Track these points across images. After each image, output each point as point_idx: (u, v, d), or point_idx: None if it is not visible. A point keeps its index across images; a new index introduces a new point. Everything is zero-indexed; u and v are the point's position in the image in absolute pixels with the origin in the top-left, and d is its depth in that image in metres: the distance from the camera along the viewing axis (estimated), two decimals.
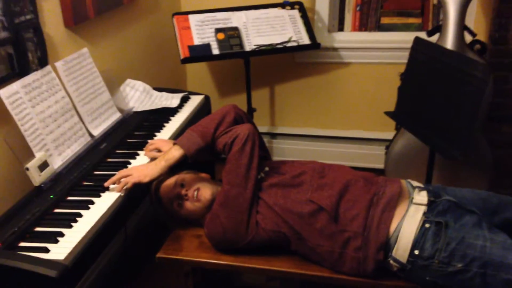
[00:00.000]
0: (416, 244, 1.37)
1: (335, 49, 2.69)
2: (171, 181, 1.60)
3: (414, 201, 1.45)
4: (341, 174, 1.54)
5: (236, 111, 1.62)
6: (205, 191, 1.56)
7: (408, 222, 1.40)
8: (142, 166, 1.52)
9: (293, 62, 2.78)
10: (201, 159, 1.60)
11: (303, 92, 2.84)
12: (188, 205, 1.56)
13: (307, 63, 2.77)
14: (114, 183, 1.49)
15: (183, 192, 1.56)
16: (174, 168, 1.55)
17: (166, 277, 2.00)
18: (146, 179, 1.47)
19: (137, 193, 1.54)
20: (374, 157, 2.76)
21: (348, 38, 2.70)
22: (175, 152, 1.51)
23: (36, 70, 1.64)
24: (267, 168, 1.62)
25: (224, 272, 1.58)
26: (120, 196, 1.46)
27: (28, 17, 1.62)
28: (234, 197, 1.46)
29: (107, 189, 1.48)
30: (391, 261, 1.41)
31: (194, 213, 1.58)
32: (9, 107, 1.47)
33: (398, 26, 2.70)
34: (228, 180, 1.47)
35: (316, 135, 2.86)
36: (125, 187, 1.45)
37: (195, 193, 1.55)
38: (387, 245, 1.40)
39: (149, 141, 1.70)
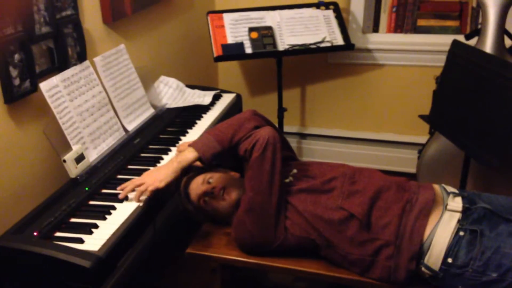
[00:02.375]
0: (449, 252, 1.34)
1: (369, 51, 2.66)
2: (200, 178, 1.60)
3: (448, 207, 1.42)
4: (372, 180, 1.51)
5: (255, 117, 1.58)
6: (231, 191, 1.55)
7: (441, 230, 1.37)
8: (154, 172, 1.49)
9: (326, 62, 2.76)
10: (225, 164, 1.60)
11: (335, 93, 2.82)
12: (214, 203, 1.56)
13: (340, 64, 2.75)
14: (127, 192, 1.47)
15: (210, 189, 1.56)
16: (188, 170, 1.54)
17: (195, 272, 2.02)
18: (161, 184, 1.44)
19: (165, 191, 1.55)
20: (406, 161, 2.72)
21: (383, 40, 2.66)
22: (189, 154, 1.49)
23: (75, 64, 1.67)
24: (295, 171, 1.60)
25: (251, 270, 1.58)
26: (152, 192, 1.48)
27: (68, 12, 1.66)
28: (259, 204, 1.45)
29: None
30: (423, 268, 1.38)
31: (219, 211, 1.58)
32: (48, 100, 1.51)
33: (434, 28, 2.64)
34: (251, 187, 1.45)
35: (347, 137, 2.83)
36: (142, 197, 1.44)
37: (221, 192, 1.55)
38: (419, 252, 1.38)
39: (181, 138, 1.69)
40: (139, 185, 1.45)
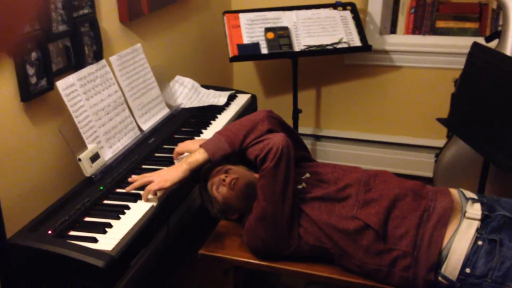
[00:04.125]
0: (467, 261, 1.31)
1: (386, 52, 2.64)
2: (220, 167, 1.59)
3: (467, 215, 1.39)
4: (388, 187, 1.49)
5: (270, 119, 1.55)
6: (241, 183, 1.54)
7: (459, 239, 1.34)
8: (163, 171, 1.49)
9: (342, 64, 2.74)
10: (232, 163, 1.59)
11: (351, 94, 2.80)
12: (224, 191, 1.54)
13: (356, 66, 2.73)
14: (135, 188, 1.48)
15: (223, 177, 1.55)
16: (198, 171, 1.53)
17: (208, 273, 2.01)
18: (167, 184, 1.43)
19: (179, 192, 1.56)
20: (422, 165, 2.69)
21: (401, 41, 2.63)
22: (199, 156, 1.48)
23: (92, 63, 1.68)
24: (308, 175, 1.58)
25: (264, 272, 1.56)
26: (165, 192, 1.48)
27: (85, 11, 1.67)
28: (271, 214, 1.43)
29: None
30: (440, 278, 1.35)
31: (227, 201, 1.55)
32: (65, 99, 1.52)
33: (453, 30, 2.60)
34: (264, 196, 1.42)
35: (362, 139, 2.81)
36: (149, 196, 1.43)
37: (232, 182, 1.53)
38: (437, 262, 1.35)
39: (179, 144, 1.64)
40: (148, 182, 1.45)
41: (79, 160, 1.49)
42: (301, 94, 2.74)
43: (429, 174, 2.51)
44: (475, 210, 1.40)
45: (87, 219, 1.37)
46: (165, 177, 1.45)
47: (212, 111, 2.08)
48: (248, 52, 2.34)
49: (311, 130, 2.91)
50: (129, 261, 1.30)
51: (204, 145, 1.50)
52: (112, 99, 1.71)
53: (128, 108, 1.79)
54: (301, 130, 2.75)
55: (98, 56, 1.72)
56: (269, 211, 1.43)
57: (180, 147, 1.61)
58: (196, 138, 1.81)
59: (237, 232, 1.64)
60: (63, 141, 1.51)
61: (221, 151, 1.47)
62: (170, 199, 1.50)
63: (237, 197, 1.54)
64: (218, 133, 1.53)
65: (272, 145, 1.41)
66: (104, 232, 1.29)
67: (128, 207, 1.40)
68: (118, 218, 1.36)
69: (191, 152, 1.54)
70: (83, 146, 1.53)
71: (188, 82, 2.23)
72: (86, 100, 1.60)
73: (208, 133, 1.89)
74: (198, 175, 1.62)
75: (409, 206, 1.43)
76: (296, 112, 2.58)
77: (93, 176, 1.52)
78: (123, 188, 1.50)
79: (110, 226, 1.32)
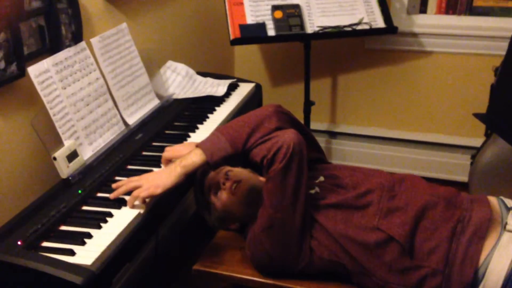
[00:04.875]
0: (508, 281, 1.31)
1: (414, 35, 2.63)
2: (220, 168, 1.59)
3: (507, 227, 1.39)
4: (416, 194, 1.49)
5: (278, 115, 1.55)
6: (244, 188, 1.54)
7: (499, 255, 1.34)
8: (154, 174, 1.49)
9: (363, 48, 2.74)
10: (233, 165, 1.59)
11: (373, 84, 2.79)
12: (223, 195, 1.54)
13: (379, 50, 2.72)
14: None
15: (223, 180, 1.55)
16: (194, 175, 1.53)
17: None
18: (158, 190, 1.43)
19: (171, 198, 1.56)
20: (456, 168, 2.69)
21: (432, 22, 2.62)
22: (195, 158, 1.47)
23: (69, 46, 1.68)
24: (322, 178, 1.58)
25: None
26: (154, 198, 1.48)
27: None
28: (280, 223, 1.43)
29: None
30: None
31: (228, 208, 1.56)
32: (38, 87, 1.52)
33: (494, 10, 2.59)
34: (271, 202, 1.43)
35: (386, 137, 2.81)
36: (136, 202, 1.43)
37: (234, 185, 1.54)
38: (472, 282, 1.35)
39: (166, 148, 1.62)
40: (135, 188, 1.45)
41: (54, 159, 1.49)
42: (314, 83, 2.74)
43: (464, 178, 2.50)
44: None
45: (63, 228, 1.37)
46: (155, 182, 1.45)
47: (210, 103, 2.07)
48: (252, 34, 2.33)
49: (326, 126, 2.91)
50: (111, 277, 1.30)
51: (202, 145, 1.50)
52: (93, 88, 1.71)
53: (111, 98, 1.79)
54: (314, 125, 2.75)
55: (77, 37, 1.72)
56: (277, 219, 1.43)
57: (170, 152, 1.60)
58: (188, 140, 1.81)
59: (238, 245, 1.63)
60: (35, 137, 1.51)
61: (221, 151, 1.47)
62: (160, 205, 1.50)
63: (239, 203, 1.54)
64: (218, 131, 1.53)
65: (282, 143, 1.41)
66: (83, 243, 1.30)
67: (110, 215, 1.41)
68: (99, 227, 1.36)
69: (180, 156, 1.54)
70: (58, 143, 1.53)
71: (182, 68, 2.23)
72: (63, 89, 1.60)
73: (204, 128, 1.89)
74: (194, 178, 1.62)
75: (440, 216, 1.43)
76: (308, 104, 2.57)
77: (70, 178, 1.52)
78: (105, 192, 1.50)
79: (89, 236, 1.32)
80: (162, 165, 1.60)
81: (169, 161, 1.58)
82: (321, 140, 2.88)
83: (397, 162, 2.79)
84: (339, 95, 2.87)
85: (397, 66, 2.72)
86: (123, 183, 1.48)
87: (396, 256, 1.39)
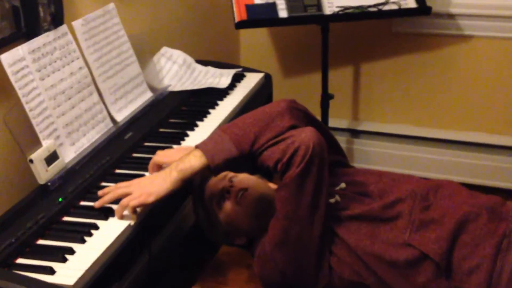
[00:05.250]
0: None
1: (451, 16, 2.62)
2: (222, 174, 1.59)
3: None
4: (454, 204, 1.48)
5: (293, 112, 1.54)
6: (252, 197, 1.55)
7: None
8: (146, 180, 1.49)
9: (390, 32, 2.74)
10: (237, 170, 1.59)
11: (401, 75, 2.79)
12: (228, 206, 1.55)
13: (409, 35, 2.72)
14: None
15: (228, 187, 1.56)
16: (192, 182, 1.53)
17: None
18: (150, 199, 1.43)
19: (166, 207, 1.56)
20: (501, 172, 2.68)
21: (472, 2, 2.61)
22: (194, 161, 1.47)
23: (48, 30, 1.68)
24: (343, 185, 1.59)
25: None
26: (146, 207, 1.48)
27: None
28: (296, 237, 1.43)
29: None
30: None
31: (232, 220, 1.57)
32: (11, 78, 1.52)
33: None
34: (286, 213, 1.43)
35: (417, 136, 2.80)
36: (125, 212, 1.43)
37: (239, 193, 1.54)
38: None
39: (158, 152, 1.61)
40: (124, 195, 1.45)
41: (31, 161, 1.49)
42: (333, 73, 2.73)
43: (511, 185, 2.50)
44: None
45: (41, 242, 1.37)
46: (148, 189, 1.45)
47: (211, 96, 2.07)
48: (261, 16, 2.33)
49: (346, 123, 2.91)
50: None
51: (202, 146, 1.50)
52: (75, 79, 1.71)
53: (97, 91, 1.79)
54: (333, 123, 2.75)
55: (57, 20, 1.73)
56: (292, 232, 1.43)
57: (160, 156, 1.59)
58: (186, 140, 1.80)
59: (245, 262, 1.64)
60: (8, 136, 1.51)
61: (225, 154, 1.47)
62: (153, 216, 1.50)
63: (246, 214, 1.55)
64: (221, 130, 1.53)
65: (299, 144, 1.41)
66: (64, 260, 1.30)
67: (96, 227, 1.41)
68: (83, 241, 1.36)
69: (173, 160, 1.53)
70: (36, 143, 1.53)
71: (179, 56, 2.23)
72: (41, 80, 1.60)
73: (204, 127, 1.89)
74: (192, 185, 1.62)
75: (482, 230, 1.43)
76: (326, 98, 2.57)
77: (49, 184, 1.52)
78: (90, 200, 1.50)
79: (71, 252, 1.32)
80: (149, 172, 1.59)
81: (159, 167, 1.58)
82: (342, 140, 2.88)
83: (431, 165, 2.78)
84: (363, 87, 2.87)
85: (430, 53, 2.71)
86: (110, 190, 1.48)
87: (430, 277, 1.39)
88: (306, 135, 1.42)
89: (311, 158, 1.40)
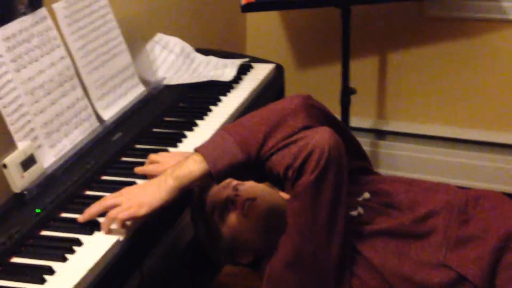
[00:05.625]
0: None
1: None
2: (226, 182, 1.59)
3: None
4: (497, 217, 1.48)
5: (308, 111, 1.54)
6: (261, 208, 1.55)
7: None
8: (137, 189, 1.49)
9: (421, 16, 2.75)
10: (242, 178, 1.59)
11: (434, 66, 2.79)
12: (232, 218, 1.56)
13: (444, 19, 2.73)
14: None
15: (233, 196, 1.56)
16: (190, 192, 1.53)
17: None
18: (142, 211, 1.43)
19: (160, 220, 1.55)
20: None
21: None
22: (193, 167, 1.46)
23: (25, 14, 1.68)
24: (367, 195, 1.59)
25: None
26: (138, 221, 1.48)
27: None
28: (310, 256, 1.43)
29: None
30: None
31: (238, 235, 1.58)
32: None
33: None
34: (299, 228, 1.43)
35: (454, 137, 2.82)
36: (113, 226, 1.42)
37: (246, 204, 1.54)
38: None
39: (150, 156, 1.63)
40: (111, 207, 1.45)
41: (4, 166, 1.50)
42: (355, 64, 2.73)
43: None
44: None
45: (15, 260, 1.37)
46: (139, 199, 1.45)
47: (213, 91, 2.08)
48: None
49: (370, 123, 2.92)
50: None
51: (202, 149, 1.49)
52: (56, 71, 1.72)
53: (81, 85, 1.79)
54: (355, 122, 2.76)
55: (35, 2, 1.73)
56: (306, 251, 1.43)
57: (153, 161, 1.61)
58: (183, 142, 1.80)
59: (252, 284, 1.65)
60: None
61: (228, 158, 1.46)
62: (145, 230, 1.50)
63: (254, 229, 1.55)
64: (224, 131, 1.53)
65: (313, 146, 1.40)
66: (42, 281, 1.29)
67: (79, 243, 1.40)
68: (64, 259, 1.35)
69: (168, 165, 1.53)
70: (10, 145, 1.54)
71: (176, 44, 2.23)
72: (16, 72, 1.60)
73: (205, 126, 1.89)
74: (191, 194, 1.62)
75: None
76: (347, 93, 2.57)
77: (25, 192, 1.52)
78: (73, 212, 1.50)
79: (51, 272, 1.32)
80: (138, 170, 1.61)
81: (150, 174, 1.58)
82: (365, 142, 2.88)
83: (470, 172, 2.78)
84: (389, 81, 2.87)
85: (469, 40, 2.71)
86: (97, 202, 1.48)
87: None
88: (321, 137, 1.42)
89: (327, 164, 1.40)
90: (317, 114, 1.58)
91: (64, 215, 1.51)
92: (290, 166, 1.42)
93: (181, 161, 1.50)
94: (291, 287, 1.46)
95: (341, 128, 1.64)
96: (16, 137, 1.55)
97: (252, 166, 1.49)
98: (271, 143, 1.47)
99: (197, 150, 1.50)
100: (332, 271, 1.45)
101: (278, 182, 1.59)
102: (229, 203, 1.56)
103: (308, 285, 1.45)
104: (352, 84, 2.59)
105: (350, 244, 1.48)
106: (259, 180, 1.63)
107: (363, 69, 2.85)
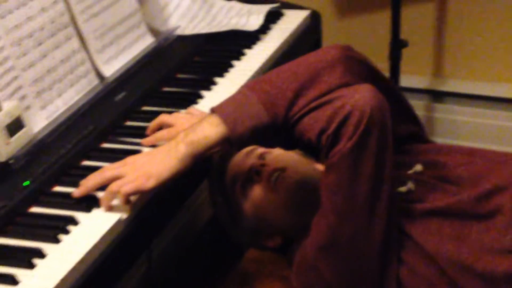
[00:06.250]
0: None
1: None
2: (249, 148, 1.60)
3: None
4: None
5: (347, 64, 1.53)
6: (292, 180, 1.56)
7: None
8: (143, 158, 1.50)
9: None
10: (267, 144, 1.59)
11: (504, 12, 2.76)
12: (257, 192, 1.57)
13: None
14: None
15: (258, 165, 1.57)
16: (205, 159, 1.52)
17: None
18: (149, 183, 1.44)
19: (172, 195, 1.56)
20: None
21: None
22: (209, 130, 1.46)
23: None
24: (419, 167, 1.59)
25: None
26: (145, 196, 1.48)
27: None
28: (348, 239, 1.44)
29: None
30: None
31: (263, 212, 1.59)
32: None
33: None
34: (334, 205, 1.43)
35: None
36: (115, 202, 1.43)
37: (275, 175, 1.55)
38: None
39: (161, 116, 1.65)
40: (113, 179, 1.45)
41: None
42: (407, 11, 2.71)
43: None
44: None
45: (1, 241, 1.38)
46: (146, 169, 1.45)
47: (236, 43, 2.08)
48: None
49: (426, 82, 2.91)
50: None
51: (220, 110, 1.48)
52: (47, 18, 1.72)
53: (77, 34, 1.79)
54: (406, 81, 2.75)
55: None
56: (343, 234, 1.43)
57: (168, 118, 1.62)
58: (200, 104, 1.80)
59: (279, 273, 1.66)
60: None
61: (251, 120, 1.45)
62: (154, 207, 1.51)
63: (283, 205, 1.56)
64: (247, 88, 1.52)
65: (352, 107, 1.39)
66: (31, 266, 1.30)
67: (75, 221, 1.41)
68: (57, 241, 1.36)
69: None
70: None
71: None
72: (0, 19, 1.60)
73: (226, 85, 1.89)
74: (209, 163, 1.63)
75: None
76: (397, 46, 2.57)
77: (11, 161, 1.54)
78: (68, 185, 1.51)
79: (41, 255, 1.33)
80: (147, 142, 1.62)
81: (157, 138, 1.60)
82: (418, 105, 2.86)
83: None
84: (449, 31, 2.85)
85: None
86: (94, 175, 1.49)
87: None
88: (361, 96, 1.40)
89: (368, 128, 1.38)
90: (358, 69, 1.56)
91: (57, 188, 1.52)
92: (324, 131, 1.41)
93: (195, 124, 1.49)
94: (324, 275, 1.47)
95: (388, 86, 1.63)
96: (0, 95, 1.56)
97: (280, 131, 1.48)
98: (302, 102, 1.46)
99: (214, 110, 1.49)
100: (375, 258, 1.45)
101: (311, 150, 1.58)
102: (253, 174, 1.56)
103: (345, 274, 1.46)
104: (403, 34, 2.58)
105: (398, 226, 1.48)
106: (287, 148, 1.62)
107: (417, 17, 2.83)
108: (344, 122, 1.39)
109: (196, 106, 1.80)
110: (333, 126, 1.39)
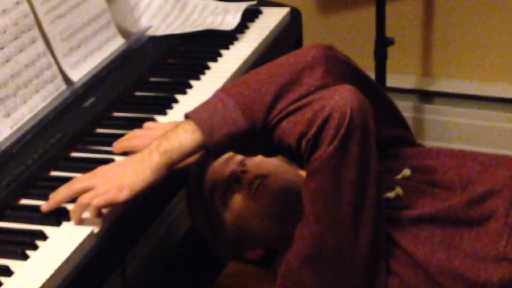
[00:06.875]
0: None
1: None
2: (229, 154, 1.60)
3: None
4: None
5: (328, 64, 1.52)
6: (274, 184, 1.56)
7: None
8: (115, 168, 1.50)
9: None
10: (247, 151, 1.58)
11: (494, 9, 2.78)
12: (237, 201, 1.58)
13: None
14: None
15: (238, 172, 1.57)
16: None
17: None
18: (122, 195, 1.43)
19: (146, 206, 1.56)
20: None
21: None
22: (184, 138, 1.46)
23: None
24: (407, 172, 1.59)
25: None
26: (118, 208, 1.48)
27: None
28: (333, 249, 1.44)
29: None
30: None
31: (244, 221, 1.59)
32: None
33: None
34: (317, 214, 1.43)
35: None
36: (86, 215, 1.42)
37: (255, 182, 1.56)
38: None
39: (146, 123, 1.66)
40: (84, 191, 1.45)
41: None
42: (393, 7, 2.73)
43: None
44: None
45: None
46: (118, 180, 1.45)
47: (211, 43, 2.09)
48: None
49: (413, 82, 2.93)
50: None
51: (195, 115, 1.48)
52: (10, 20, 1.71)
53: (42, 37, 1.79)
54: (393, 81, 2.76)
55: None
56: (328, 243, 1.43)
57: (136, 135, 1.63)
58: (174, 108, 1.81)
59: (262, 286, 1.65)
60: None
61: (228, 126, 1.45)
62: (127, 220, 1.51)
63: (265, 213, 1.56)
64: (223, 92, 1.51)
65: (331, 110, 1.39)
66: None
67: (43, 236, 1.41)
68: (24, 257, 1.36)
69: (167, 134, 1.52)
70: None
71: None
72: None
73: (201, 88, 1.90)
74: (185, 171, 1.63)
75: None
76: (382, 44, 2.58)
77: None
78: (35, 198, 1.51)
79: (8, 273, 1.32)
80: (118, 148, 1.62)
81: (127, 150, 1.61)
82: (406, 106, 2.88)
83: None
84: (437, 28, 2.87)
85: None
86: (63, 188, 1.48)
87: None
88: (341, 97, 1.40)
89: (348, 132, 1.38)
90: (340, 70, 1.56)
91: (23, 202, 1.51)
92: (304, 135, 1.41)
93: (169, 131, 1.49)
94: (309, 285, 1.47)
95: (372, 87, 1.64)
96: None
97: (259, 137, 1.47)
98: (281, 105, 1.46)
99: (188, 116, 1.48)
100: (362, 268, 1.45)
101: (294, 156, 1.58)
102: (233, 182, 1.57)
103: (329, 285, 1.46)
104: (389, 32, 2.60)
105: (386, 234, 1.48)
106: (267, 156, 1.62)
107: (403, 14, 2.85)
108: (324, 125, 1.39)
109: (170, 112, 1.80)
110: (313, 129, 1.39)
